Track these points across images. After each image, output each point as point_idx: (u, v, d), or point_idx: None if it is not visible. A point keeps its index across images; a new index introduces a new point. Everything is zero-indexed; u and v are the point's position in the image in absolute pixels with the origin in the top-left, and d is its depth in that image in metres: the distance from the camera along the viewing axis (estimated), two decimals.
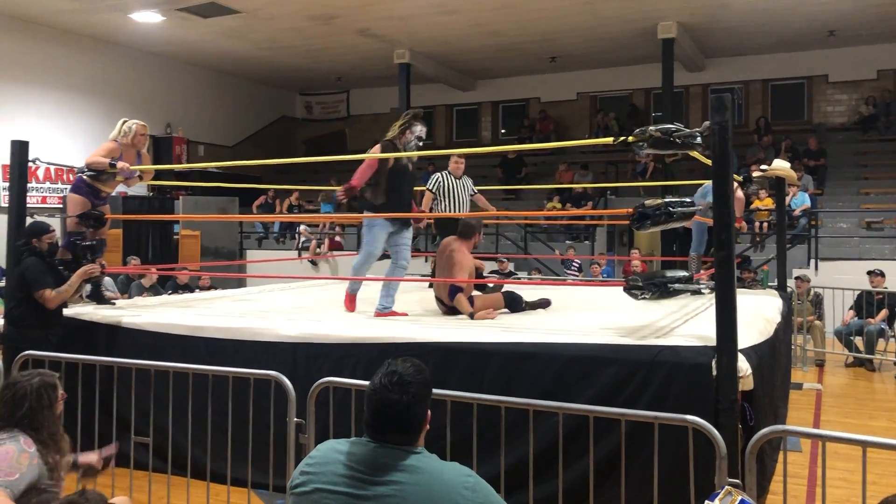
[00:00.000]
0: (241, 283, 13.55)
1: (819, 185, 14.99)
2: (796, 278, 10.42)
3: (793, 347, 8.76)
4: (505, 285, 6.36)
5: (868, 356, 9.54)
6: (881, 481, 4.69)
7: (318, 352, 4.79)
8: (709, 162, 4.17)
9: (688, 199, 4.37)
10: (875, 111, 16.38)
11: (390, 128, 5.94)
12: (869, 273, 10.13)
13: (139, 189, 16.44)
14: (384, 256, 6.20)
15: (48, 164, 8.01)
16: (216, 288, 11.08)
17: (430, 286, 7.13)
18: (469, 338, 4.57)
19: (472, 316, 5.51)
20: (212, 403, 4.37)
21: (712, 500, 2.69)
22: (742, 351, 3.91)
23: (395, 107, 17.71)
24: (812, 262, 12.71)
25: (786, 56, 17.00)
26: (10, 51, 14.51)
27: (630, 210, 4.40)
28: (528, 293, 6.51)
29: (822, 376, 9.11)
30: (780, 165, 7.92)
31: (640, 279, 4.38)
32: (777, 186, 8.33)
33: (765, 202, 13.03)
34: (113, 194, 6.88)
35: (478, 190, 8.43)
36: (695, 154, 5.51)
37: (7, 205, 6.19)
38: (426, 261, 10.55)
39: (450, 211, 7.78)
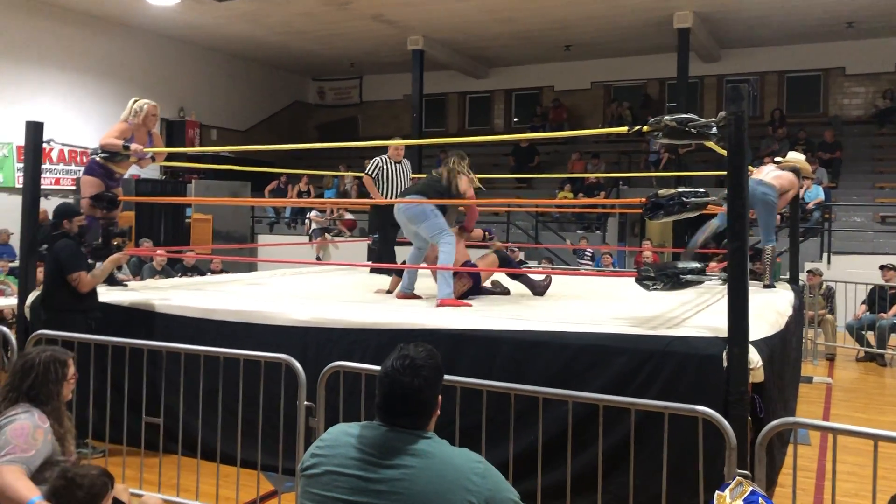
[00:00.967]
0: (251, 268, 13.61)
1: (833, 179, 14.88)
2: (808, 272, 10.36)
3: (804, 341, 8.73)
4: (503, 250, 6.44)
5: (879, 351, 9.49)
6: (890, 476, 4.67)
7: (329, 336, 4.80)
8: (724, 152, 4.15)
9: (702, 190, 4.35)
10: (892, 104, 16.22)
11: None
12: (881, 267, 10.07)
13: (152, 172, 16.52)
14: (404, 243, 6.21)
15: (63, 145, 8.05)
16: (227, 272, 11.11)
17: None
18: (479, 325, 4.57)
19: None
20: (223, 386, 4.39)
21: (723, 491, 2.69)
22: (753, 343, 3.90)
23: (408, 93, 17.69)
24: (825, 255, 12.64)
25: (803, 48, 16.84)
26: (26, 32, 14.55)
27: (643, 200, 4.39)
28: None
29: (833, 370, 9.08)
30: (795, 158, 7.85)
31: (651, 270, 4.37)
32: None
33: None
34: (126, 176, 6.91)
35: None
36: (710, 144, 5.49)
37: (21, 186, 6.22)
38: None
39: (388, 196, 7.78)
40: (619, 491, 3.79)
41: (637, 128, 4.35)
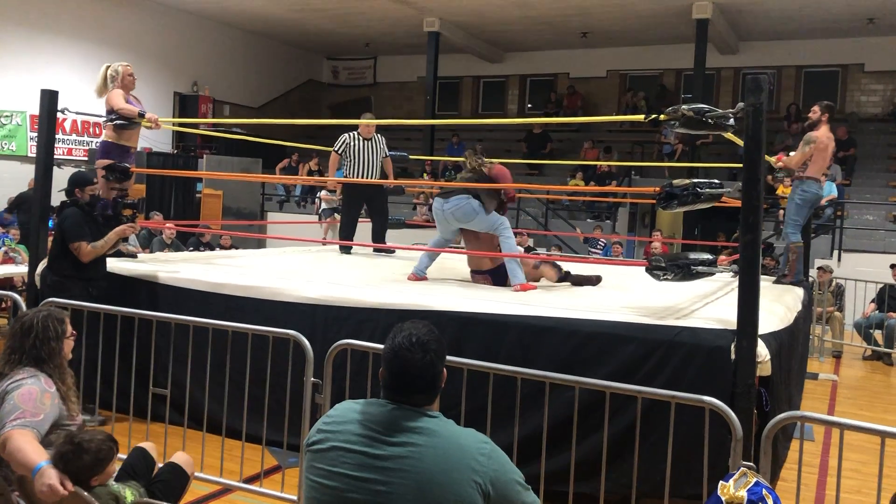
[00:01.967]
0: (261, 245, 13.63)
1: (847, 176, 14.77)
2: (818, 268, 10.32)
3: (811, 337, 8.70)
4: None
5: (887, 350, 9.47)
6: (893, 474, 4.67)
7: (338, 314, 4.82)
8: (741, 142, 4.11)
9: (716, 181, 4.32)
10: None
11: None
12: (892, 266, 10.02)
13: (163, 146, 16.53)
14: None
15: (77, 114, 8.04)
16: (237, 248, 11.14)
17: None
18: (487, 308, 4.57)
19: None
20: (230, 360, 4.41)
21: (727, 481, 2.68)
22: (762, 336, 3.89)
23: (422, 76, 17.62)
24: (835, 252, 12.58)
25: (822, 42, 16.68)
26: (43, 2, 14.54)
27: (657, 189, 4.37)
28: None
29: (839, 368, 9.06)
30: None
31: (662, 260, 4.36)
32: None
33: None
34: (138, 149, 6.90)
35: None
36: (729, 136, 5.45)
37: (34, 154, 6.23)
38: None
39: (358, 175, 7.74)
40: (622, 478, 3.80)
41: (654, 116, 4.32)
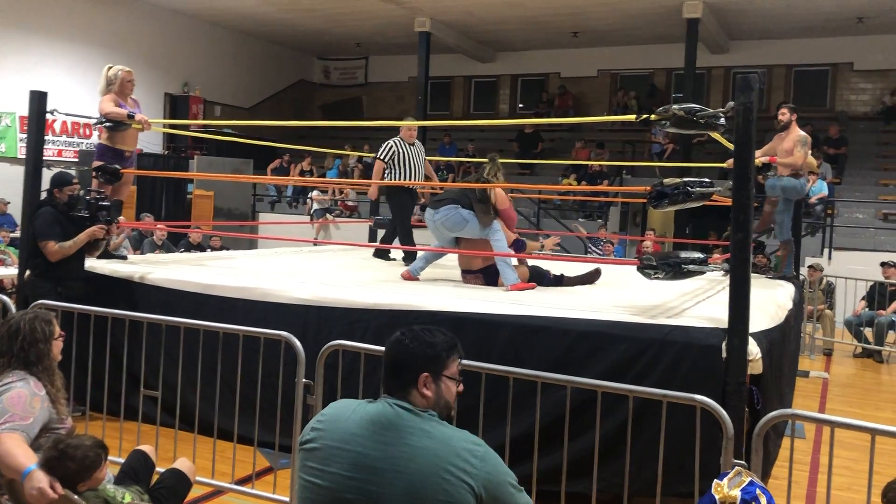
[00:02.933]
0: (252, 245, 13.60)
1: (838, 174, 14.84)
2: (809, 267, 10.37)
3: (802, 335, 8.74)
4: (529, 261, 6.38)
5: (877, 347, 9.51)
6: (884, 471, 4.66)
7: (330, 315, 4.81)
8: (730, 145, 4.12)
9: (707, 180, 4.33)
10: None
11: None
12: (882, 265, 10.07)
13: (154, 146, 16.48)
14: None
15: (66, 115, 8.00)
16: (227, 248, 11.11)
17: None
18: (479, 308, 4.57)
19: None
20: (221, 361, 4.40)
21: (721, 480, 2.69)
22: (753, 335, 3.90)
23: (414, 76, 17.60)
24: (826, 251, 12.63)
25: (811, 42, 16.75)
26: (33, 2, 14.47)
27: (648, 188, 4.37)
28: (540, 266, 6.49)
29: (830, 365, 9.10)
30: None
31: (654, 258, 4.36)
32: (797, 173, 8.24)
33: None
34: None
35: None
36: (716, 136, 5.47)
37: (24, 156, 6.20)
38: None
39: (404, 179, 7.66)
40: (614, 477, 3.81)
41: (644, 116, 4.33)
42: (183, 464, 3.35)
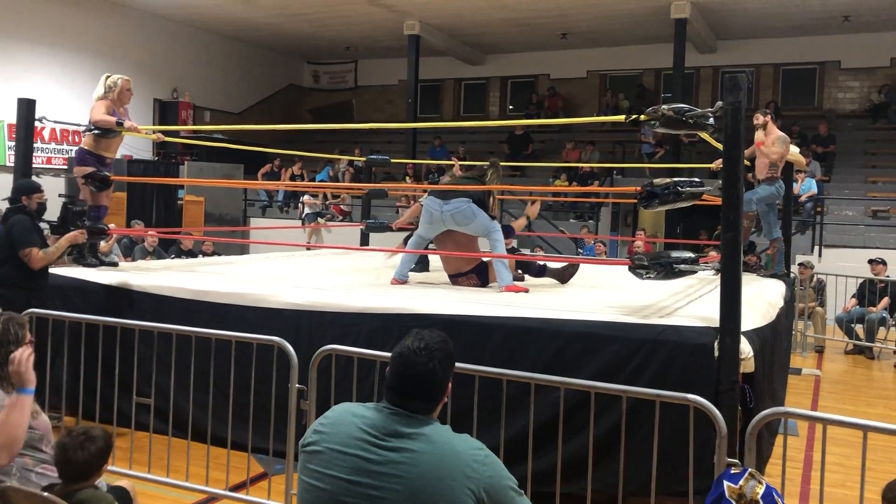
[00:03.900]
0: (244, 250, 13.56)
1: (827, 172, 14.91)
2: (800, 264, 10.41)
3: (793, 333, 8.78)
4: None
5: (868, 344, 9.56)
6: (877, 467, 4.70)
7: (322, 320, 4.80)
8: (718, 145, 4.14)
9: (696, 180, 4.35)
10: (886, 99, 16.26)
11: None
12: (870, 262, 10.12)
13: (144, 153, 16.44)
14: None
15: (55, 123, 7.98)
16: (219, 254, 11.08)
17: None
18: (472, 311, 4.57)
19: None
20: (214, 367, 4.38)
21: (735, 483, 2.67)
22: (745, 333, 3.92)
23: (403, 79, 17.61)
24: (816, 248, 12.69)
25: (799, 41, 16.84)
26: (20, 9, 14.41)
27: (638, 189, 4.39)
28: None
29: (822, 362, 9.14)
30: (790, 150, 7.87)
31: (645, 258, 4.38)
32: (786, 171, 8.29)
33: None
34: (117, 157, 6.85)
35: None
36: (704, 136, 5.50)
37: (13, 164, 6.17)
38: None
39: None
40: (608, 477, 3.81)
41: (634, 116, 4.34)
42: (127, 485, 3.34)
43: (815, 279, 10.41)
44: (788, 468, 3.35)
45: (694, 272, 4.44)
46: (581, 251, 13.14)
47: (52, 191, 14.80)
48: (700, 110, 4.08)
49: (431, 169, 16.62)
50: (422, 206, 6.86)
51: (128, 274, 5.88)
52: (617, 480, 3.58)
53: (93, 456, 2.79)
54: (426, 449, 2.01)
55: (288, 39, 19.33)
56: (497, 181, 5.94)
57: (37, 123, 6.08)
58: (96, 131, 6.07)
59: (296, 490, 2.18)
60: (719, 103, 3.87)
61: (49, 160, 14.79)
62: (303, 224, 15.52)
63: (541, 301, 5.05)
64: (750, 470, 2.78)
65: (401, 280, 5.91)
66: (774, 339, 5.22)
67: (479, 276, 5.84)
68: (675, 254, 4.36)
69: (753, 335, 4.19)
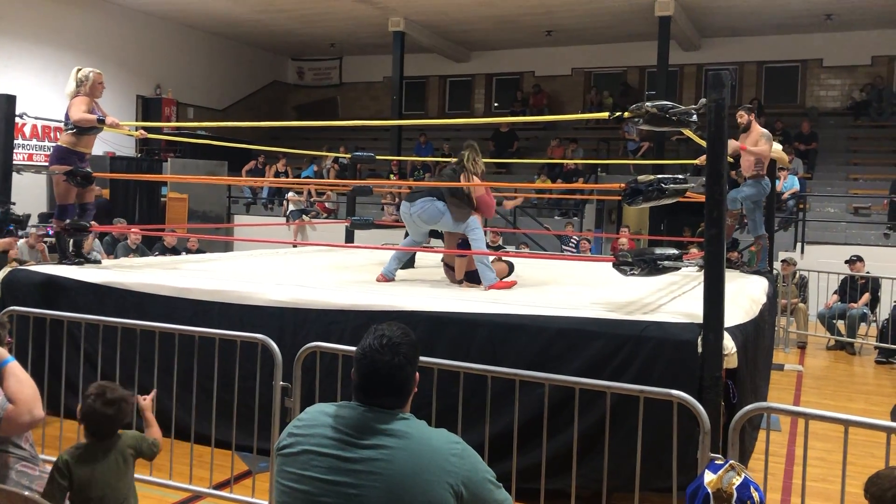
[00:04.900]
0: (228, 248, 13.50)
1: (809, 170, 15.03)
2: (782, 261, 10.48)
3: (776, 329, 8.84)
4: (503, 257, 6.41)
5: (849, 340, 9.64)
6: (858, 461, 4.75)
7: (306, 317, 4.78)
8: (702, 142, 4.15)
9: (680, 176, 4.36)
10: (868, 97, 16.41)
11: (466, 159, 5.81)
12: (847, 262, 10.20)
13: (127, 150, 16.32)
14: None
15: (36, 119, 7.89)
16: (204, 251, 11.02)
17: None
18: (457, 308, 4.57)
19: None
20: (197, 365, 4.36)
21: (714, 472, 2.70)
22: (728, 329, 3.94)
23: (388, 75, 17.59)
24: (799, 245, 12.79)
25: (782, 38, 16.96)
26: (0, 5, 14.25)
27: (622, 185, 4.40)
28: (517, 265, 6.51)
29: (804, 358, 9.21)
30: (773, 147, 7.92)
31: (629, 255, 4.39)
32: (769, 168, 8.34)
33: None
34: (101, 154, 6.79)
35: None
36: (689, 133, 5.51)
37: None
38: None
39: None
40: (593, 473, 3.83)
41: (618, 113, 4.35)
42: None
43: (797, 275, 10.49)
44: (771, 463, 3.37)
45: (678, 269, 4.45)
46: (566, 248, 13.17)
47: (34, 188, 14.68)
48: (684, 107, 4.09)
49: (416, 166, 16.60)
50: None
51: (110, 271, 5.83)
52: (601, 476, 3.59)
53: (117, 414, 2.95)
54: (403, 445, 2.01)
55: (272, 36, 19.24)
56: (474, 162, 5.80)
57: (17, 120, 6.01)
58: (72, 129, 5.99)
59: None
60: (703, 100, 3.89)
61: (30, 157, 14.64)
62: (287, 221, 15.47)
63: (525, 298, 5.06)
64: (731, 462, 2.80)
65: (387, 277, 5.90)
66: (757, 335, 5.25)
67: (469, 276, 5.85)
68: (658, 250, 4.37)
69: (737, 331, 4.21)
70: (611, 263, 4.47)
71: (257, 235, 13.31)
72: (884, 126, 15.99)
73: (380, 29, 16.92)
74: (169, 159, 16.01)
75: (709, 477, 2.72)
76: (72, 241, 6.17)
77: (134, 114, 17.09)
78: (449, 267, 6.01)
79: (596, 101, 18.31)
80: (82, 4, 15.74)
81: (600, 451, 3.66)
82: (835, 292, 10.20)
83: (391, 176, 16.78)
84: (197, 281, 5.42)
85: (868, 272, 10.09)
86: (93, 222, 6.33)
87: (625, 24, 16.23)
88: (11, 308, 4.67)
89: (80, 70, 6.09)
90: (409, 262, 7.04)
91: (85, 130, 6.02)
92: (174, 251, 10.81)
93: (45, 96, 14.29)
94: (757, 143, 7.44)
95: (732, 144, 7.25)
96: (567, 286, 6.06)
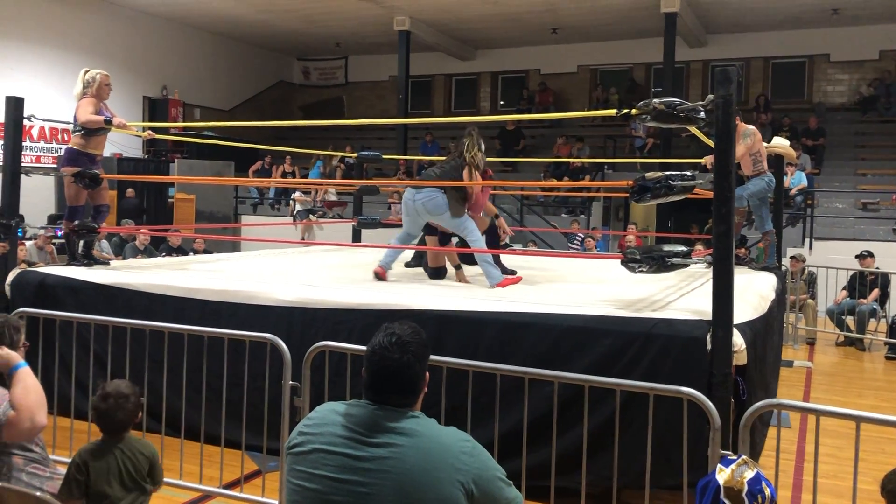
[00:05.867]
0: (235, 248, 13.53)
1: (817, 165, 14.97)
2: (791, 257, 10.44)
3: (785, 325, 8.81)
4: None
5: (859, 335, 9.60)
6: (869, 458, 4.74)
7: (314, 316, 4.79)
8: (708, 141, 4.13)
9: (688, 173, 4.35)
10: (875, 92, 16.33)
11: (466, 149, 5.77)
12: (857, 257, 10.15)
13: (135, 151, 16.37)
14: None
15: (44, 121, 7.92)
16: (211, 252, 11.04)
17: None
18: (465, 306, 4.57)
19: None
20: (207, 365, 4.37)
21: (726, 466, 2.70)
22: (737, 326, 3.93)
23: (394, 74, 17.58)
24: (807, 241, 12.74)
25: (788, 34, 16.89)
26: (7, 7, 14.31)
27: (630, 183, 4.39)
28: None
29: (813, 354, 9.18)
30: (780, 143, 7.89)
31: (637, 252, 4.38)
32: (776, 164, 8.31)
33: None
34: (108, 155, 6.81)
35: None
36: (694, 131, 5.50)
37: (1, 162, 6.13)
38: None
39: None
40: (602, 471, 3.82)
41: (625, 110, 4.34)
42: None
43: (805, 271, 10.45)
44: (782, 460, 3.36)
45: (686, 265, 4.44)
46: (572, 246, 13.15)
47: (42, 189, 14.73)
48: (691, 104, 4.07)
49: (424, 165, 16.59)
50: None
51: (119, 272, 5.86)
52: (611, 473, 3.58)
53: (130, 412, 3.02)
54: (413, 443, 2.01)
55: (278, 36, 19.26)
56: (476, 149, 5.72)
57: (25, 122, 6.03)
58: (82, 131, 6.02)
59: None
60: (710, 97, 3.87)
61: (38, 159, 14.70)
62: (294, 221, 15.49)
63: (533, 295, 5.05)
64: (743, 457, 2.80)
65: (385, 269, 5.89)
66: (766, 331, 5.23)
67: (439, 277, 5.89)
68: (667, 247, 4.36)
69: (746, 328, 4.20)
70: (619, 260, 4.46)
71: (264, 235, 13.33)
72: (892, 121, 15.90)
73: (385, 28, 16.92)
74: (176, 160, 16.05)
75: (721, 471, 2.73)
76: (81, 242, 6.19)
77: (141, 115, 17.14)
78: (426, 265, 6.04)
79: (602, 99, 18.27)
80: (89, 7, 15.79)
81: (610, 448, 3.65)
82: (843, 288, 10.15)
83: (398, 175, 16.77)
84: (205, 281, 5.43)
85: (878, 267, 10.04)
86: (104, 224, 6.36)
87: (631, 21, 16.19)
88: (21, 309, 4.69)
89: (87, 72, 6.12)
90: (416, 261, 7.04)
91: (94, 132, 6.04)
92: (181, 251, 10.85)
93: (53, 98, 14.35)
94: (739, 144, 7.35)
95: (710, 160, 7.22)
96: (575, 284, 6.05)
